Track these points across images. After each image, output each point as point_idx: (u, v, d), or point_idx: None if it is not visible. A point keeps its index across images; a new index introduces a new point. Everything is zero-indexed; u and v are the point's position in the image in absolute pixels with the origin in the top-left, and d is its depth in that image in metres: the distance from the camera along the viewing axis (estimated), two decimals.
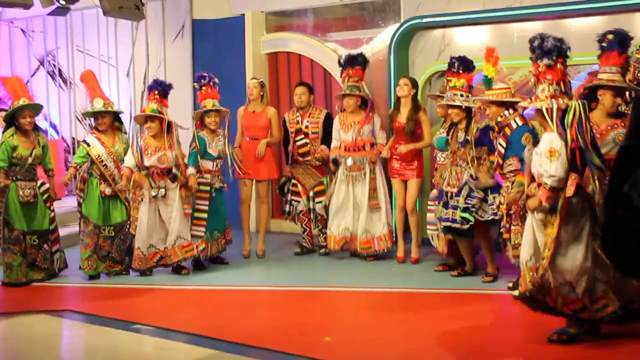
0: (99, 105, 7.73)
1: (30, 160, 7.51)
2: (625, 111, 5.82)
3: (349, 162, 8.10)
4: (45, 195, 7.69)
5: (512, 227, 6.46)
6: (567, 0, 8.03)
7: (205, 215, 7.87)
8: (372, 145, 8.15)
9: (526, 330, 5.87)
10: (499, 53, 8.30)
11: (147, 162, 7.53)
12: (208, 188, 7.91)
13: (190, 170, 7.76)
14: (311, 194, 8.42)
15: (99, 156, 7.65)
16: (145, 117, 7.61)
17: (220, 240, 8.09)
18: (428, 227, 7.56)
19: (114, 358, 5.62)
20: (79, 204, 7.82)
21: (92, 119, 7.99)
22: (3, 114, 10.45)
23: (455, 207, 6.92)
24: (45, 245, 7.67)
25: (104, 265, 7.75)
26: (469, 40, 8.87)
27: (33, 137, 7.59)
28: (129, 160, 7.55)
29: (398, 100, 8.11)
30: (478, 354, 5.38)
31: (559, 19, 8.24)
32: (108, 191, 7.68)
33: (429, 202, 7.61)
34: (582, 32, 8.00)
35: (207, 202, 7.88)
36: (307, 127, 8.48)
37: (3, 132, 7.65)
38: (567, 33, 8.07)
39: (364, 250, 8.15)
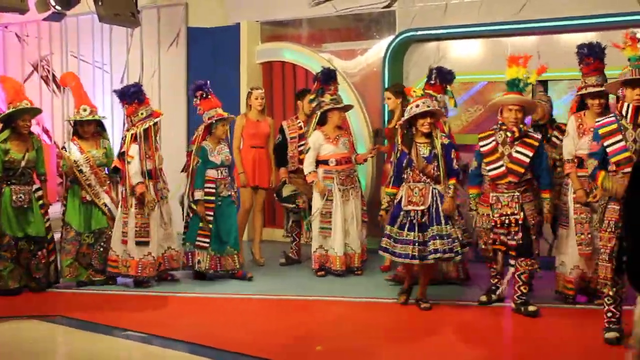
0: (85, 113, 7.64)
1: (23, 163, 7.26)
2: None
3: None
4: (41, 201, 7.44)
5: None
6: (562, 15, 8.10)
7: (210, 226, 7.72)
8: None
9: (518, 342, 5.91)
10: (493, 67, 8.43)
11: (149, 166, 7.51)
12: (213, 198, 7.72)
13: (198, 194, 7.67)
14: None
15: (75, 162, 7.53)
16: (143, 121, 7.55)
17: (235, 256, 7.88)
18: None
19: None
20: (64, 212, 7.67)
21: (72, 125, 7.88)
22: None
23: (442, 237, 6.50)
24: (40, 253, 7.36)
25: (87, 274, 7.62)
26: (464, 54, 8.94)
27: (27, 140, 7.37)
28: (137, 176, 7.44)
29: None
30: None
31: (553, 34, 8.32)
32: (89, 197, 7.57)
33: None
34: (575, 47, 8.06)
35: (212, 213, 7.71)
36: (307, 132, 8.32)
37: None
38: (562, 48, 8.19)
39: (361, 263, 8.09)
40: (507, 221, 6.36)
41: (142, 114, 7.55)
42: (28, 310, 6.80)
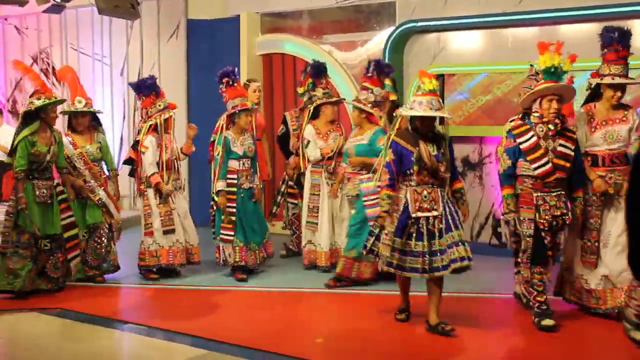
0: (80, 105, 7.51)
1: (48, 157, 6.95)
2: None
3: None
4: (61, 197, 7.15)
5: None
6: (562, 6, 8.07)
7: (233, 218, 7.51)
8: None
9: (525, 333, 5.91)
10: (493, 58, 8.40)
11: (165, 157, 7.50)
12: (235, 189, 7.52)
13: (220, 185, 7.48)
14: None
15: (67, 157, 7.35)
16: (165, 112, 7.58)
17: (258, 252, 7.72)
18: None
19: (105, 357, 5.62)
20: None
21: (67, 118, 7.76)
22: None
23: (463, 243, 5.67)
24: (59, 253, 7.08)
25: (82, 269, 7.46)
26: (464, 45, 8.91)
27: (49, 133, 7.04)
28: (152, 167, 7.44)
29: None
30: (472, 355, 5.40)
31: (554, 25, 8.29)
32: (83, 193, 7.44)
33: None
34: (577, 38, 8.03)
35: (234, 205, 7.51)
36: None
37: (22, 127, 6.95)
38: (562, 39, 8.14)
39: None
40: (555, 223, 5.79)
41: (159, 105, 7.55)
42: (29, 303, 6.78)
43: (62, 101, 7.30)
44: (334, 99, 8.04)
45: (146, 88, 7.59)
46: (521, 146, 5.83)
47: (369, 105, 7.24)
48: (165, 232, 7.51)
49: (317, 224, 7.83)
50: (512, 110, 8.41)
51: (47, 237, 6.99)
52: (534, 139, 5.79)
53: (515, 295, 6.58)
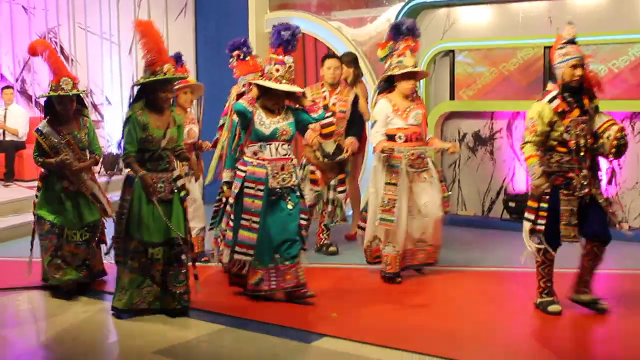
0: (68, 87, 6.18)
1: (163, 143, 5.65)
2: None
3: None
4: (183, 192, 5.86)
5: None
6: None
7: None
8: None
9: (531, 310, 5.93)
10: (503, 33, 8.35)
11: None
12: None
13: (226, 174, 6.48)
14: (333, 182, 7.39)
15: (52, 147, 6.19)
16: (177, 88, 6.59)
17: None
18: None
19: (119, 332, 5.64)
20: (34, 205, 6.43)
21: (45, 102, 6.53)
22: (9, 91, 10.42)
23: None
24: (180, 262, 5.78)
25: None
26: (474, 20, 8.88)
27: (167, 114, 5.72)
28: None
29: None
30: (481, 329, 5.42)
31: None
32: (72, 187, 6.31)
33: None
34: (587, 12, 8.01)
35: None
36: (334, 104, 7.26)
37: (131, 105, 5.75)
38: (572, 13, 8.13)
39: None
40: None
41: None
42: (37, 281, 6.66)
43: (174, 79, 5.86)
44: (406, 70, 6.37)
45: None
46: None
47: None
48: None
49: (393, 221, 6.41)
50: (520, 86, 8.43)
51: (163, 244, 5.72)
52: None
53: None
